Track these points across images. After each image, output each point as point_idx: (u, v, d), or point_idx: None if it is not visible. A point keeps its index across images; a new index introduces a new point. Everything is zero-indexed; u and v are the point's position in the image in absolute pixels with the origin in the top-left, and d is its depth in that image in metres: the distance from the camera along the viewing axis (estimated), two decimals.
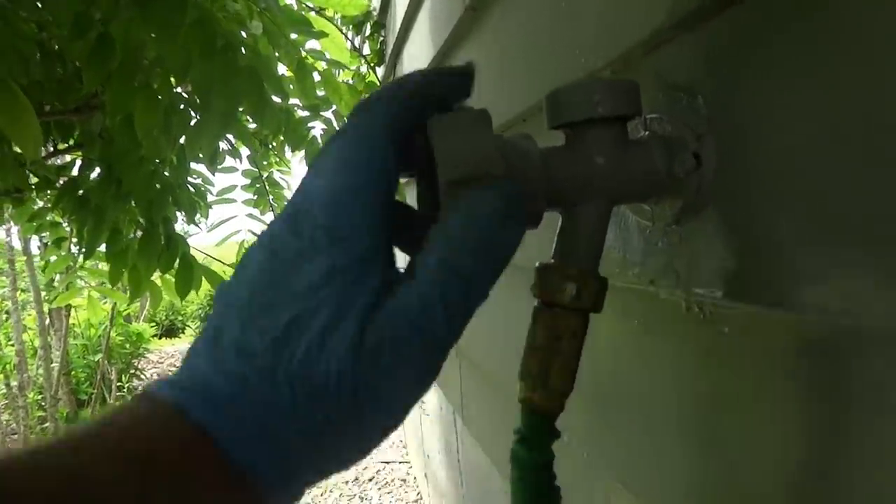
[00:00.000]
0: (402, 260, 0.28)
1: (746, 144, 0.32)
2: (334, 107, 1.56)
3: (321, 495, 3.10)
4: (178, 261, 1.41)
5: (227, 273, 1.97)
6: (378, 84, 1.66)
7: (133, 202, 1.46)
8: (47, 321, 4.16)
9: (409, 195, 1.34)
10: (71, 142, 1.58)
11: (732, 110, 0.34)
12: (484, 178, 0.30)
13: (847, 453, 0.28)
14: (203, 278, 1.46)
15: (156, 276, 1.55)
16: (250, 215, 1.96)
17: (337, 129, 1.59)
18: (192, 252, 1.50)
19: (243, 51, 1.18)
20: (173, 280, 1.45)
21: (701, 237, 0.36)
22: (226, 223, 1.89)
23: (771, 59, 0.30)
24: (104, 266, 1.60)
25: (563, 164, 0.36)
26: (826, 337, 0.29)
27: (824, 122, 0.27)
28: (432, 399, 1.89)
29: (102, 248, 1.51)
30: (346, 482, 3.18)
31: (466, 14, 0.81)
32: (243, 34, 1.31)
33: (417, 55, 1.25)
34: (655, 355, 0.44)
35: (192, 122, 1.37)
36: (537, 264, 0.37)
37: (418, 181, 0.38)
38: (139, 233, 1.49)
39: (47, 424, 3.83)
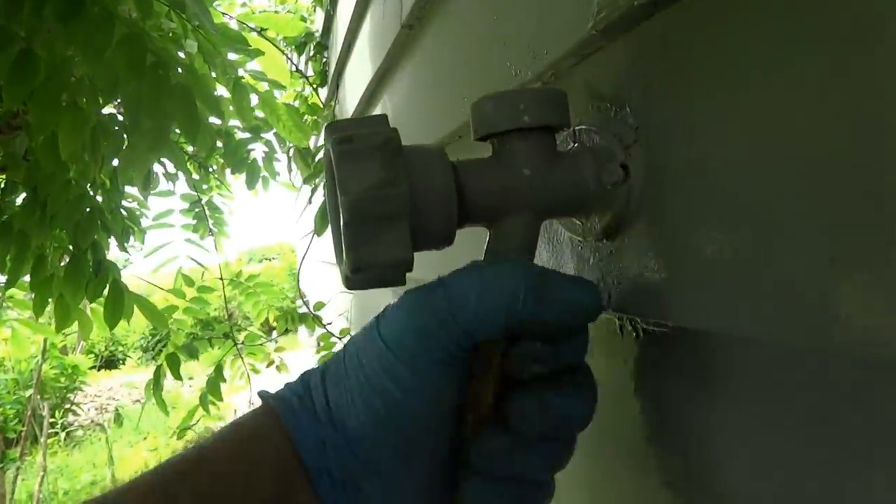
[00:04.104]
0: None
1: (674, 156, 0.31)
2: (275, 129, 1.53)
3: None
4: (107, 288, 1.34)
5: (168, 300, 1.89)
6: (320, 106, 1.63)
7: (59, 227, 1.39)
8: None
9: None
10: None
11: (660, 121, 0.33)
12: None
13: (771, 461, 0.26)
14: (135, 307, 1.39)
15: (87, 306, 1.47)
16: (189, 240, 1.89)
17: (277, 151, 1.55)
18: (130, 279, 1.43)
19: (179, 70, 1.14)
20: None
21: (630, 252, 0.35)
22: (162, 249, 1.81)
23: (695, 69, 0.29)
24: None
25: (488, 177, 0.35)
26: (756, 355, 0.27)
27: (749, 133, 0.26)
28: None
29: (27, 277, 1.43)
30: None
31: (403, 32, 0.79)
32: (181, 54, 1.27)
33: (358, 74, 1.24)
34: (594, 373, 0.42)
35: (125, 145, 1.31)
36: None
37: None
38: (67, 260, 1.41)
39: None
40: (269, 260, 12.58)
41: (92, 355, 7.11)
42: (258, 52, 1.16)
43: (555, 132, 0.36)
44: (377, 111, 1.12)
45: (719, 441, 0.31)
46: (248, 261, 13.18)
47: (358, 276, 0.32)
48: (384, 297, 1.27)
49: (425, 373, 0.30)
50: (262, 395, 0.34)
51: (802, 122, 0.23)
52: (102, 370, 7.50)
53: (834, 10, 0.22)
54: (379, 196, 0.30)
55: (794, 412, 0.25)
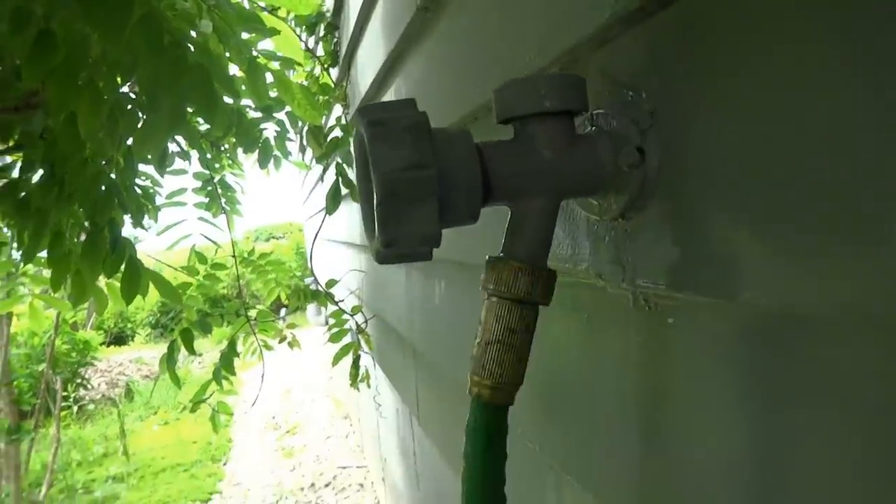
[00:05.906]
0: None
1: (688, 139, 0.33)
2: (287, 108, 1.54)
3: (277, 503, 3.05)
4: (124, 265, 1.37)
5: (177, 278, 1.93)
6: (332, 85, 1.65)
7: (77, 204, 1.41)
8: None
9: None
10: (10, 143, 1.52)
11: (675, 106, 0.34)
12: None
13: (785, 437, 0.29)
14: (151, 284, 1.42)
15: (102, 281, 1.50)
16: (202, 218, 1.92)
17: (290, 131, 1.56)
18: (142, 257, 1.46)
19: (192, 49, 1.15)
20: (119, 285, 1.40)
21: (646, 231, 0.37)
22: (176, 227, 1.84)
23: (712, 56, 0.31)
24: (48, 272, 1.54)
25: (511, 158, 0.37)
26: (765, 324, 0.29)
27: (760, 118, 0.28)
28: (388, 401, 1.88)
29: (44, 253, 1.46)
30: (302, 489, 3.14)
31: (418, 15, 0.81)
32: (193, 33, 1.28)
33: (371, 55, 1.25)
34: (604, 348, 0.45)
35: (140, 124, 1.33)
36: (487, 258, 0.37)
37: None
38: (83, 236, 1.44)
39: None
40: (276, 238, 12.62)
41: (102, 331, 7.20)
42: (274, 31, 1.17)
43: (574, 116, 0.38)
44: (391, 93, 1.13)
45: (720, 406, 0.33)
46: (254, 239, 13.21)
47: (389, 251, 0.34)
48: (397, 274, 1.30)
49: None
50: None
51: (811, 112, 0.25)
52: (112, 346, 7.58)
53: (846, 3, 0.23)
54: (409, 177, 0.32)
55: (810, 379, 0.28)
